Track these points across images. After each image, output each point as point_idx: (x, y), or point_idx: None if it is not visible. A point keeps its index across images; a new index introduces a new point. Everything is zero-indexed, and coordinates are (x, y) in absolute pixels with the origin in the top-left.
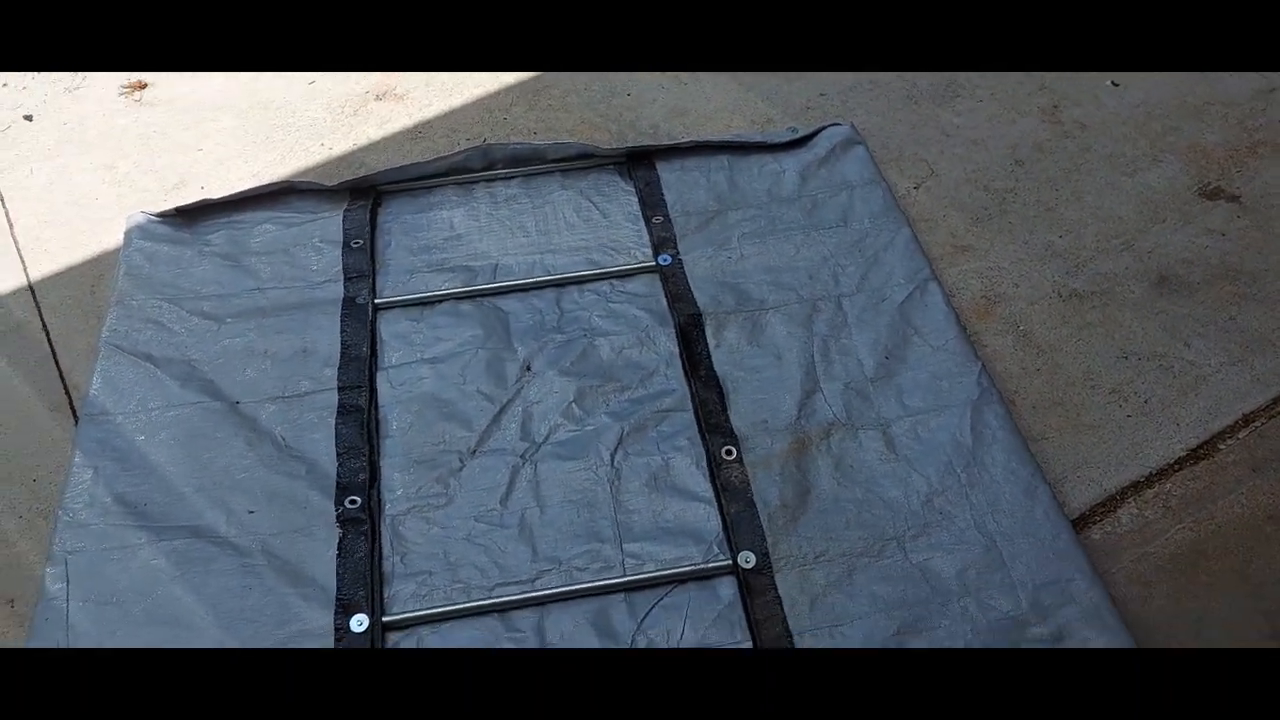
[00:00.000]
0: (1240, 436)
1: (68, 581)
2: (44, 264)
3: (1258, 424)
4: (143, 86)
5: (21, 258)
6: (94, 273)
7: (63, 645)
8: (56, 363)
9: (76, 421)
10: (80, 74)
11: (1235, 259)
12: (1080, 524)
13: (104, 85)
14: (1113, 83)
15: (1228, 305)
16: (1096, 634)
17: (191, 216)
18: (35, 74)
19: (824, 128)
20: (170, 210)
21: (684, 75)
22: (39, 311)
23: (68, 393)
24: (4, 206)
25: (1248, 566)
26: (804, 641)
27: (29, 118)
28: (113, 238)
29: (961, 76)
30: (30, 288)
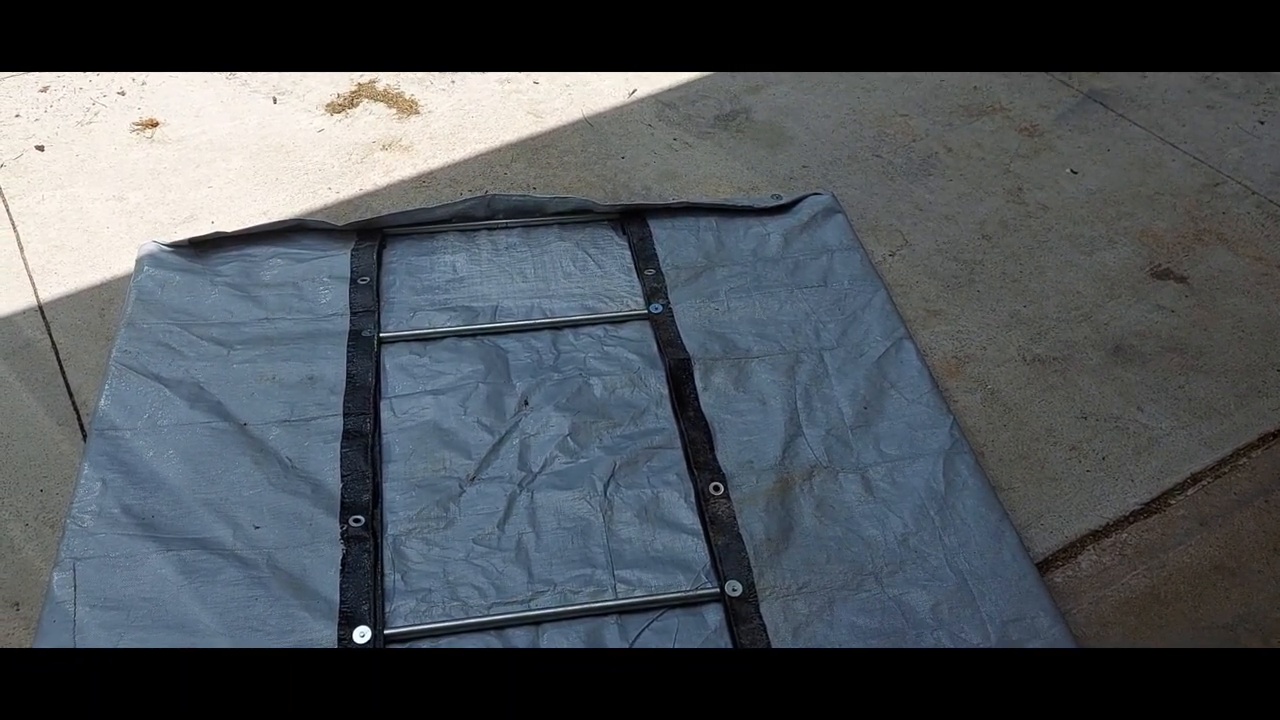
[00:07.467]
0: (1189, 493)
1: (75, 587)
2: (54, 286)
3: (1204, 482)
4: (154, 125)
5: (32, 280)
6: (104, 297)
7: (70, 647)
8: (65, 380)
9: (85, 436)
10: (92, 109)
11: (1183, 334)
12: (1044, 567)
13: (115, 121)
14: (1071, 170)
15: (1177, 375)
16: None
17: (203, 248)
18: (48, 107)
19: (806, 196)
20: (183, 241)
21: (675, 142)
22: (48, 331)
23: (76, 409)
24: (15, 231)
25: (1196, 611)
26: None
27: (41, 148)
28: (123, 264)
29: (934, 158)
30: (40, 308)
